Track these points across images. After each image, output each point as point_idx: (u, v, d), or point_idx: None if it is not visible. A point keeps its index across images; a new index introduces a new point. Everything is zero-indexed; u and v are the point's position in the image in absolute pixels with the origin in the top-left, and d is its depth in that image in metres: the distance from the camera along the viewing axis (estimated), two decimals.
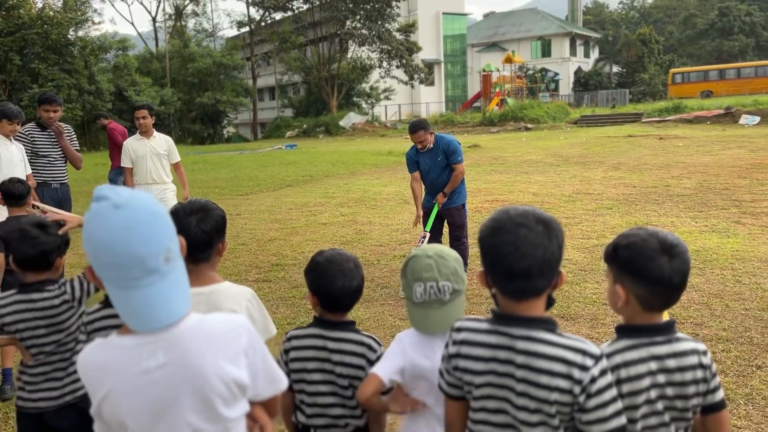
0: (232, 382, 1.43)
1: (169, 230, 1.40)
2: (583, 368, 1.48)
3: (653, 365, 1.64)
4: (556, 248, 1.53)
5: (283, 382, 1.59)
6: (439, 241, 6.22)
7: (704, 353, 1.69)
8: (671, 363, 1.64)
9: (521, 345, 1.53)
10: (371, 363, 2.05)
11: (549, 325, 1.55)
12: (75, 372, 2.66)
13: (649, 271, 1.63)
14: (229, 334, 1.45)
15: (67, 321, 2.58)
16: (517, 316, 1.56)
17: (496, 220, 1.57)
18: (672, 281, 1.63)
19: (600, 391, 1.49)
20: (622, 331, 1.71)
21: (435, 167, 6.03)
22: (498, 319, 1.59)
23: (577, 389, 1.48)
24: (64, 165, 6.28)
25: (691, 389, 1.65)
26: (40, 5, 34.09)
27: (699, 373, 1.66)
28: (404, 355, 1.96)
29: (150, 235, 1.33)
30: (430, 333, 1.96)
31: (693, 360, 1.66)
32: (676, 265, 1.63)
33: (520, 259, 1.50)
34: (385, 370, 1.94)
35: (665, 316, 1.75)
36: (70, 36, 32.38)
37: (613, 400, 1.51)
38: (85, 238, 1.34)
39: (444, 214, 6.16)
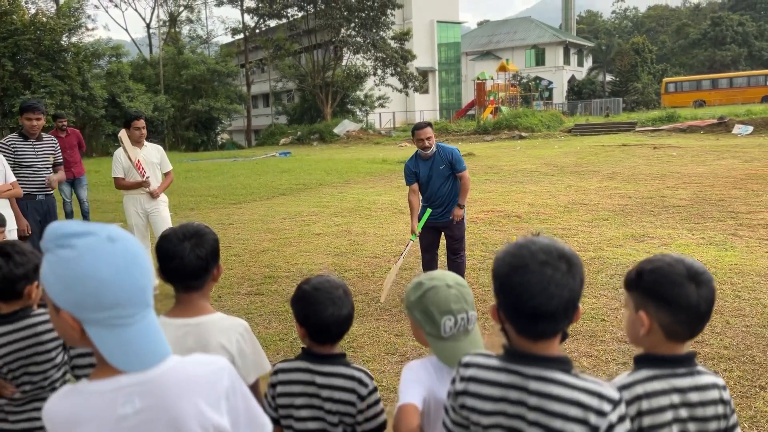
0: (212, 428, 1.34)
1: (152, 265, 1.35)
2: (600, 413, 1.38)
3: (675, 398, 1.56)
4: (579, 286, 1.44)
5: (266, 426, 1.49)
6: (436, 255, 6.11)
7: (724, 388, 1.62)
8: (694, 397, 1.57)
9: (534, 385, 1.43)
10: (362, 398, 1.94)
11: (564, 366, 1.44)
12: None
13: (675, 298, 1.56)
14: (209, 377, 1.36)
15: (52, 351, 2.44)
16: (533, 355, 1.46)
17: (516, 257, 1.44)
18: (699, 309, 1.57)
19: None
20: (642, 361, 1.63)
21: (437, 177, 5.81)
22: (510, 357, 1.49)
23: None
24: (49, 175, 6.16)
25: (713, 425, 1.58)
26: (33, 11, 33.97)
27: (720, 409, 1.59)
28: (423, 385, 1.83)
29: (146, 267, 1.29)
30: None
31: (714, 394, 1.59)
32: (703, 292, 1.57)
33: (546, 302, 1.39)
34: (415, 397, 1.78)
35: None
36: (63, 42, 32.16)
37: None
38: (75, 279, 1.21)
39: (441, 227, 5.96)
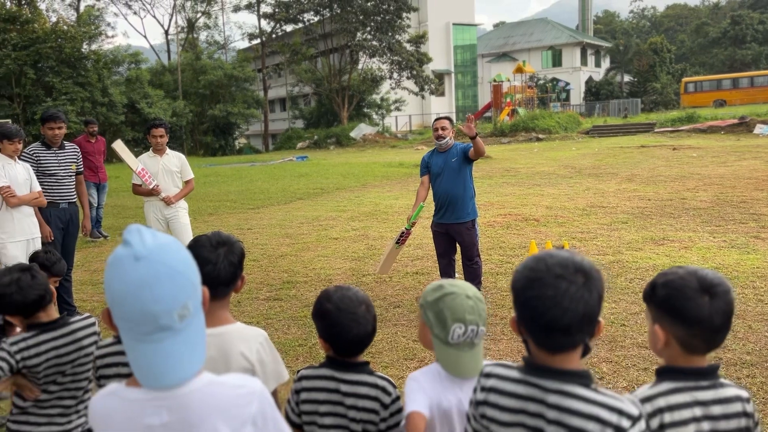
0: None
1: (189, 286, 1.33)
2: (619, 429, 1.37)
3: (698, 411, 1.55)
4: (596, 300, 1.43)
5: None
6: (453, 260, 6.10)
7: (747, 401, 1.61)
8: (716, 410, 1.56)
9: (553, 399, 1.43)
10: (385, 407, 1.96)
11: (584, 380, 1.44)
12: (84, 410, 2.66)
13: (687, 312, 1.55)
14: (238, 400, 1.38)
15: (91, 355, 2.60)
16: (552, 368, 1.46)
17: (533, 270, 1.45)
18: (712, 322, 1.55)
19: None
20: (664, 374, 1.62)
21: (448, 171, 5.83)
22: (530, 369, 1.49)
23: None
24: (72, 184, 6.24)
25: None
26: (53, 19, 34.48)
27: (743, 422, 1.58)
28: (426, 393, 1.87)
29: (165, 294, 1.27)
30: (460, 377, 1.88)
31: (737, 407, 1.58)
32: (717, 305, 1.55)
33: (560, 315, 1.39)
34: (422, 405, 1.84)
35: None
36: (83, 50, 32.60)
37: None
38: (104, 283, 1.31)
39: (453, 233, 5.93)
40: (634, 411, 1.40)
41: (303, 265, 7.86)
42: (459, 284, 1.94)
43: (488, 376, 1.56)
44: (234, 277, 2.04)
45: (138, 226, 1.33)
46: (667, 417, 1.54)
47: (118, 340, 2.18)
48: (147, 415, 1.33)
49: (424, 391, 1.87)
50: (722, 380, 1.62)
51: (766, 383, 3.94)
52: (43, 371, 2.50)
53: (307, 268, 7.69)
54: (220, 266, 2.00)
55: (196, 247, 2.04)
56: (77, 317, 2.65)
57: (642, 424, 1.41)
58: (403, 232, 6.19)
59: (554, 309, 1.40)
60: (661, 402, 1.55)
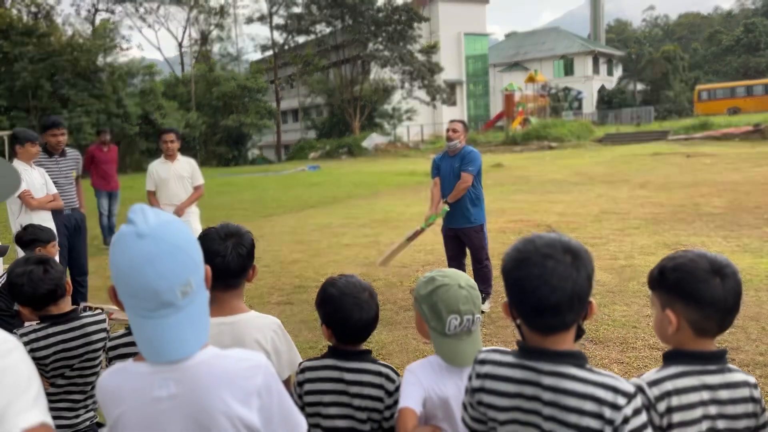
0: (240, 423, 1.37)
1: (191, 263, 1.36)
2: (615, 407, 1.37)
3: (705, 395, 1.55)
4: (585, 280, 1.42)
5: (301, 427, 1.52)
6: (463, 264, 6.11)
7: (755, 386, 1.61)
8: (724, 394, 1.56)
9: (548, 381, 1.43)
10: (390, 394, 1.97)
11: (579, 360, 1.45)
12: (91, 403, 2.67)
13: (701, 294, 1.55)
14: (243, 372, 1.40)
15: (99, 351, 2.62)
16: (545, 350, 1.46)
17: (521, 251, 1.47)
18: (726, 303, 1.56)
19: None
20: (672, 357, 1.62)
21: (450, 174, 5.92)
22: (524, 353, 1.50)
23: (608, 430, 1.37)
24: (73, 190, 6.31)
25: (742, 423, 1.57)
26: (69, 33, 34.97)
27: (750, 407, 1.58)
28: (422, 386, 1.88)
29: (167, 270, 1.30)
30: (459, 366, 1.88)
31: (745, 392, 1.58)
32: (729, 285, 1.56)
33: (548, 294, 1.39)
34: (414, 401, 1.85)
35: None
36: (98, 62, 33.08)
37: None
38: (109, 260, 1.35)
39: (461, 236, 5.99)
40: (630, 388, 1.41)
41: (314, 271, 7.89)
42: (450, 274, 1.94)
43: (483, 362, 1.56)
44: (244, 267, 2.06)
45: (142, 205, 1.36)
46: (675, 400, 1.53)
47: (129, 332, 2.20)
48: (155, 387, 1.36)
49: (420, 384, 1.88)
50: (730, 365, 1.61)
51: None
52: (51, 364, 2.52)
53: (318, 274, 7.71)
54: (229, 258, 2.01)
55: (205, 240, 2.05)
56: (88, 312, 2.68)
57: (638, 401, 1.41)
58: (417, 230, 6.20)
59: (542, 288, 1.40)
60: (669, 385, 1.55)
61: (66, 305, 2.59)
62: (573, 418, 1.39)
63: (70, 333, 2.55)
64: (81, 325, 2.59)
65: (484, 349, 1.63)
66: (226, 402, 1.36)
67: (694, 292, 1.56)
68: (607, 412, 1.37)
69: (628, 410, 1.38)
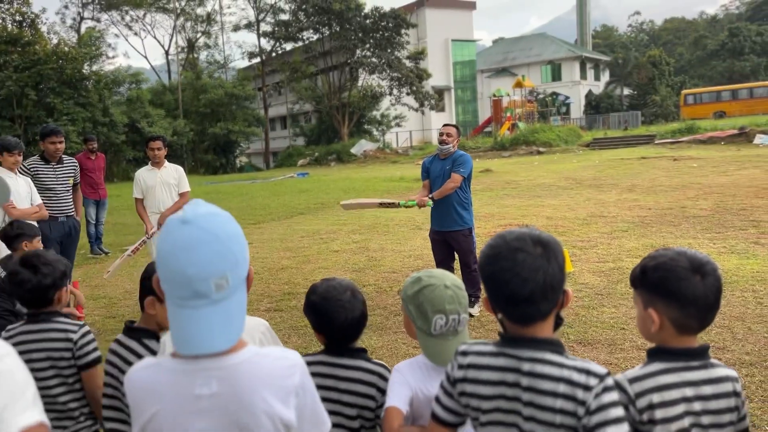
0: (279, 422, 1.37)
1: (230, 257, 1.35)
2: (587, 388, 1.42)
3: (688, 391, 1.56)
4: (556, 269, 1.47)
5: (326, 425, 1.53)
6: (451, 268, 6.11)
7: (736, 380, 1.63)
8: (707, 390, 1.57)
9: (527, 367, 1.47)
10: (383, 392, 1.98)
11: (556, 347, 1.49)
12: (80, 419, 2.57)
13: (682, 292, 1.57)
14: (282, 371, 1.40)
15: (63, 360, 2.49)
16: (524, 338, 1.51)
17: (493, 247, 1.53)
18: (707, 300, 1.58)
19: (603, 408, 1.41)
20: (655, 354, 1.64)
21: (441, 176, 5.95)
22: (505, 342, 1.54)
23: (581, 410, 1.41)
24: (69, 198, 6.28)
25: (726, 418, 1.58)
26: (54, 41, 34.79)
27: (733, 401, 1.60)
28: (409, 386, 1.90)
29: (202, 258, 1.30)
30: (446, 366, 1.89)
31: (728, 387, 1.60)
32: (709, 282, 1.58)
33: (521, 285, 1.45)
34: (400, 401, 1.87)
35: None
36: (84, 71, 32.90)
37: (618, 420, 1.41)
38: (156, 246, 1.38)
39: (450, 240, 5.99)
40: (601, 370, 1.44)
41: (303, 277, 7.87)
42: (437, 275, 1.95)
43: (465, 353, 1.59)
44: None
45: (199, 199, 1.39)
46: (656, 397, 1.55)
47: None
48: (196, 385, 1.34)
49: (407, 383, 1.91)
50: (712, 360, 1.63)
51: (765, 382, 3.93)
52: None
53: (307, 280, 7.69)
54: None
55: None
56: (63, 319, 2.56)
57: (609, 381, 1.44)
58: (392, 202, 6.22)
59: (514, 280, 1.45)
60: (651, 383, 1.56)
61: (53, 306, 2.54)
62: (548, 401, 1.43)
63: (33, 335, 2.48)
64: (45, 329, 2.48)
65: (466, 342, 1.66)
66: (267, 401, 1.35)
67: (675, 291, 1.58)
68: (580, 394, 1.41)
69: (598, 389, 1.42)
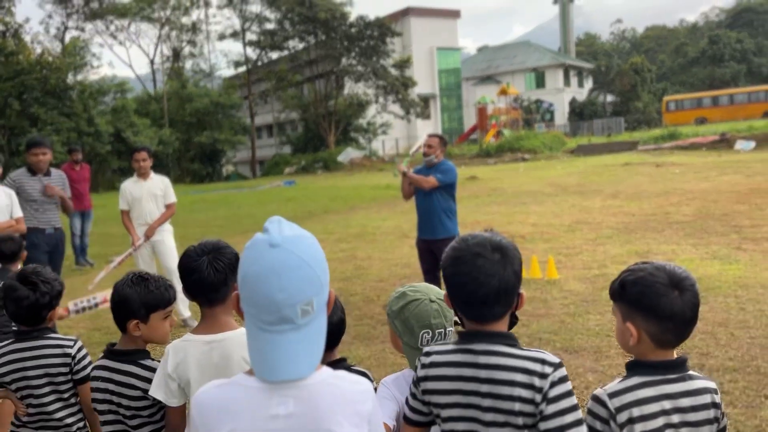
0: None
1: (317, 282, 1.33)
2: (543, 376, 1.49)
3: (666, 404, 1.59)
4: (511, 275, 1.55)
5: None
6: (438, 277, 6.14)
7: (715, 391, 1.65)
8: (685, 402, 1.60)
9: (483, 359, 1.54)
10: None
11: (510, 340, 1.57)
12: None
13: (660, 308, 1.59)
14: (357, 396, 1.38)
15: (60, 375, 2.50)
16: (479, 332, 1.58)
17: (456, 250, 1.61)
18: (684, 316, 1.60)
19: (559, 397, 1.48)
20: (634, 368, 1.66)
21: None
22: (462, 337, 1.62)
23: (538, 397, 1.48)
24: (56, 210, 6.24)
25: (705, 430, 1.61)
26: (38, 51, 34.56)
27: (712, 413, 1.62)
28: (395, 400, 1.91)
29: (292, 284, 1.29)
30: None
31: (706, 399, 1.62)
32: (687, 298, 1.60)
33: (476, 289, 1.54)
34: (386, 415, 1.86)
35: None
36: (69, 80, 32.73)
37: (573, 408, 1.49)
38: (239, 267, 1.35)
39: (434, 249, 5.98)
40: (555, 359, 1.52)
41: None
42: (421, 289, 1.97)
43: (428, 354, 1.65)
44: (224, 281, 2.06)
45: (279, 217, 1.36)
46: (636, 411, 1.57)
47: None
48: (273, 405, 1.31)
49: (394, 397, 1.91)
50: (691, 372, 1.65)
51: (748, 387, 4.00)
52: (12, 383, 2.46)
53: None
54: (204, 273, 2.03)
55: (183, 258, 2.11)
56: (58, 335, 2.59)
57: (563, 370, 1.51)
58: (401, 168, 6.30)
59: (471, 284, 1.54)
60: (630, 397, 1.59)
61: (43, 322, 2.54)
62: (506, 390, 1.49)
63: (27, 352, 2.47)
64: (40, 345, 2.48)
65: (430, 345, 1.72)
66: (342, 425, 1.32)
67: (654, 307, 1.59)
68: (537, 381, 1.48)
69: (554, 377, 1.49)
